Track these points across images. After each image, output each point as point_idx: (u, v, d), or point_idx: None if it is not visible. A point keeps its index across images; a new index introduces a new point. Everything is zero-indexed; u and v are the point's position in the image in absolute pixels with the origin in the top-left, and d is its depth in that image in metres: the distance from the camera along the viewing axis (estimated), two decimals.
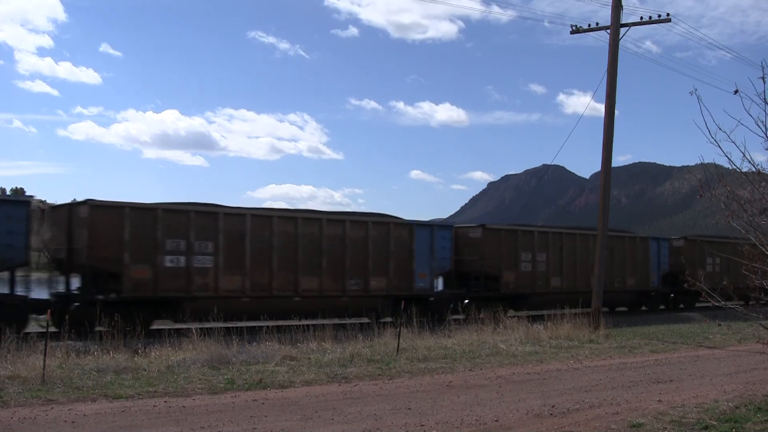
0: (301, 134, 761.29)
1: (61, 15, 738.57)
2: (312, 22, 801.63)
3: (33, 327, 17.80)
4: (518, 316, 18.92)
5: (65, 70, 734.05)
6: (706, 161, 8.54)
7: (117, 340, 13.65)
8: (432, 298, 24.21)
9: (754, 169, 8.19)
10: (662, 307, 33.11)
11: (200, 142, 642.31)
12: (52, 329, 18.13)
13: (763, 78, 7.58)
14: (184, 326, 18.23)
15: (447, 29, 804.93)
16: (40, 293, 19.59)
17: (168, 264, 19.13)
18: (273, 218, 21.12)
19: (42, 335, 12.41)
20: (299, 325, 16.67)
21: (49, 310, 11.92)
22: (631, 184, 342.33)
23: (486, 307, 23.12)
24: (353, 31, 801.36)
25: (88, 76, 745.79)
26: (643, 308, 32.54)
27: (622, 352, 16.06)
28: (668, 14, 22.23)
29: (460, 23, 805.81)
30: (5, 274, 18.12)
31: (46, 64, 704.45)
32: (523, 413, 8.92)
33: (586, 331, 19.23)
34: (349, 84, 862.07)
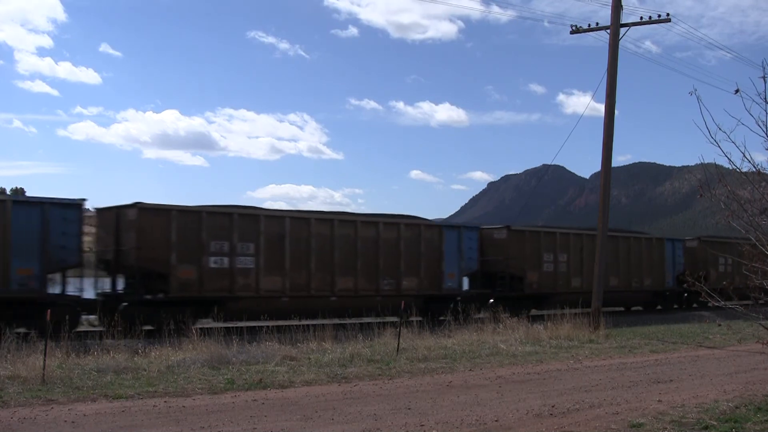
0: (301, 134, 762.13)
1: (61, 15, 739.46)
2: (312, 22, 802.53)
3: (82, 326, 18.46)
4: (541, 314, 19.15)
5: (65, 70, 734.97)
6: (706, 161, 8.55)
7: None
8: (459, 298, 24.64)
9: (754, 169, 8.18)
10: (675, 306, 33.45)
11: (200, 142, 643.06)
12: (99, 328, 18.87)
13: (763, 77, 7.58)
14: (229, 325, 18.81)
15: (447, 29, 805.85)
16: (86, 293, 19.95)
17: (212, 265, 19.69)
18: (311, 220, 21.82)
19: (42, 335, 12.41)
20: (299, 325, 16.68)
21: (48, 310, 11.89)
22: (631, 184, 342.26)
23: (510, 306, 24.31)
24: (353, 31, 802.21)
25: (88, 76, 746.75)
26: (658, 307, 33.07)
27: (622, 352, 16.05)
28: (668, 14, 22.24)
29: (460, 23, 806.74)
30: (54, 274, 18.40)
31: (46, 64, 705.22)
32: (523, 413, 8.92)
33: (586, 331, 19.23)
34: (349, 84, 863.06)
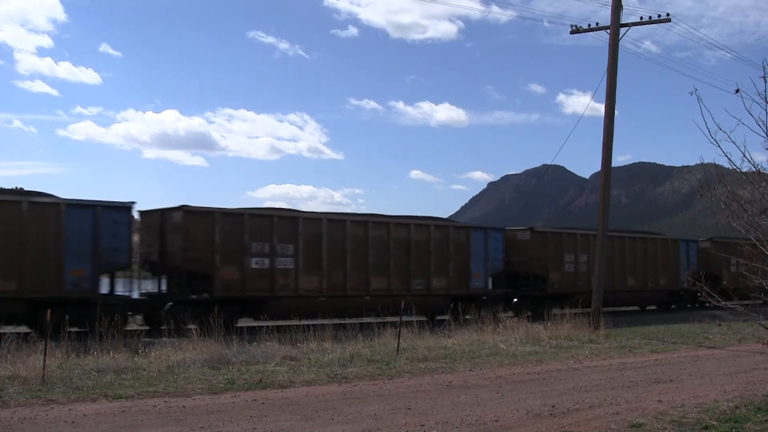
0: (301, 134, 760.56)
1: (60, 15, 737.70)
2: (311, 22, 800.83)
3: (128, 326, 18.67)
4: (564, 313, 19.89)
5: (65, 70, 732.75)
6: (706, 161, 8.55)
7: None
8: (485, 297, 25.29)
9: (754, 169, 8.19)
10: (689, 305, 33.75)
11: (200, 142, 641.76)
12: (144, 327, 19.47)
13: (763, 77, 7.58)
14: (268, 324, 19.21)
15: (446, 29, 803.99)
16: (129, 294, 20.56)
17: (254, 266, 20.27)
18: (346, 222, 22.54)
19: (42, 335, 12.41)
20: (299, 325, 16.69)
21: (48, 310, 11.90)
22: (631, 184, 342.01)
23: (533, 305, 25.37)
24: (353, 31, 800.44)
25: (88, 76, 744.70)
26: (672, 306, 33.55)
27: (622, 352, 16.05)
28: (668, 14, 22.24)
29: (460, 23, 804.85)
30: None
31: (45, 64, 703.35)
32: (523, 413, 8.92)
33: (586, 331, 19.23)
34: (349, 84, 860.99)
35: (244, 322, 21.09)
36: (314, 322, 18.32)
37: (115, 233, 18.32)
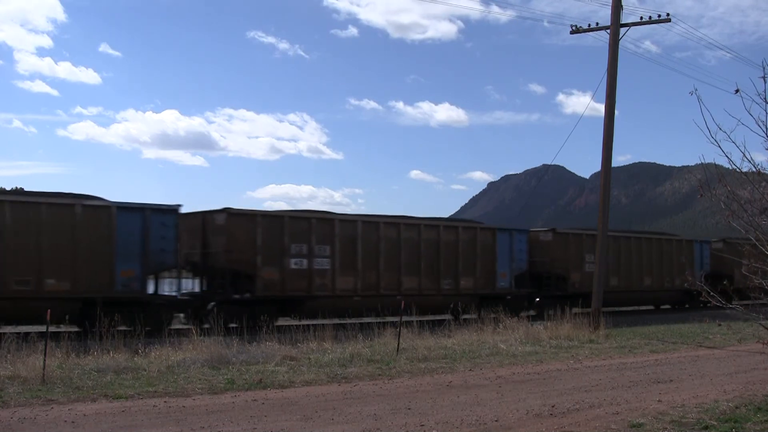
0: (301, 134, 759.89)
1: (60, 15, 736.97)
2: (311, 22, 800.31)
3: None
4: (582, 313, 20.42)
5: (65, 70, 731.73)
6: (706, 161, 8.55)
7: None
8: (509, 297, 26.16)
9: (754, 169, 8.18)
10: (701, 305, 33.83)
11: (200, 142, 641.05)
12: (188, 326, 19.40)
13: (763, 77, 7.58)
14: (310, 323, 19.47)
15: (446, 29, 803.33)
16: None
17: (293, 266, 20.93)
18: (380, 224, 23.22)
19: (42, 335, 12.42)
20: (299, 325, 16.70)
21: (48, 310, 11.90)
22: (631, 184, 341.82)
23: (554, 304, 25.45)
24: (353, 31, 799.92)
25: (88, 76, 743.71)
26: (686, 306, 34.03)
27: (622, 352, 16.06)
28: (668, 14, 22.23)
29: (460, 23, 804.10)
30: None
31: (45, 64, 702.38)
32: (523, 413, 8.92)
33: (586, 331, 19.23)
34: (349, 84, 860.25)
35: (282, 321, 21.63)
36: (351, 320, 19.27)
37: (163, 235, 18.91)
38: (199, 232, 20.74)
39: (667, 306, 34.36)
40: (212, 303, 20.21)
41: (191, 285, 21.34)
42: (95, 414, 8.69)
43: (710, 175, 8.67)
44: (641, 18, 22.42)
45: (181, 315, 20.63)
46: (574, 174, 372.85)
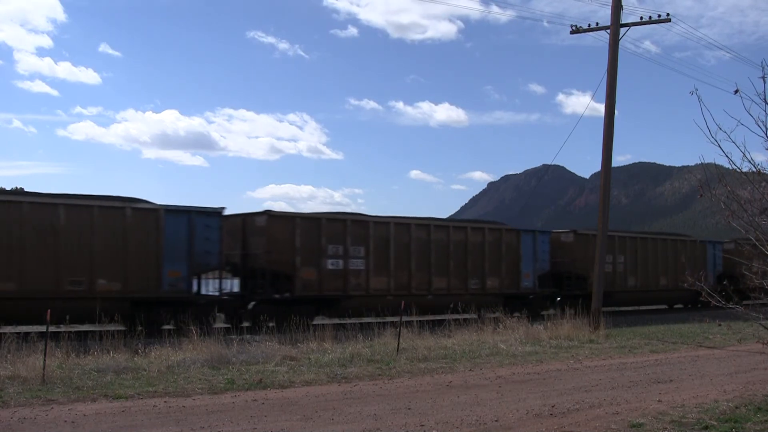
0: (301, 134, 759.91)
1: (60, 15, 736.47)
2: (311, 22, 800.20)
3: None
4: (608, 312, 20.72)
5: (65, 70, 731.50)
6: (706, 161, 8.55)
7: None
8: (532, 296, 27.07)
9: (754, 169, 8.19)
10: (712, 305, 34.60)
11: (200, 142, 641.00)
12: (226, 325, 20.38)
13: (763, 78, 7.58)
14: (344, 321, 20.38)
15: (446, 29, 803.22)
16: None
17: (330, 267, 21.64)
18: (411, 225, 23.96)
19: (42, 335, 12.42)
20: (299, 325, 16.70)
21: (48, 310, 11.90)
22: (631, 184, 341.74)
23: (575, 304, 26.41)
24: (352, 31, 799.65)
25: (88, 76, 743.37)
26: (699, 305, 33.98)
27: (622, 352, 16.05)
28: (668, 14, 22.22)
29: (460, 23, 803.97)
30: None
31: (45, 64, 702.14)
32: (523, 413, 8.91)
33: (586, 331, 19.23)
34: (349, 84, 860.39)
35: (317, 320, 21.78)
36: (387, 319, 19.79)
37: (207, 237, 19.55)
38: (239, 233, 21.31)
39: (680, 305, 34.84)
40: (252, 302, 20.88)
41: (230, 285, 21.84)
42: (95, 414, 8.69)
43: (710, 175, 8.68)
44: (641, 18, 22.41)
45: (222, 314, 21.18)
46: (574, 174, 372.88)
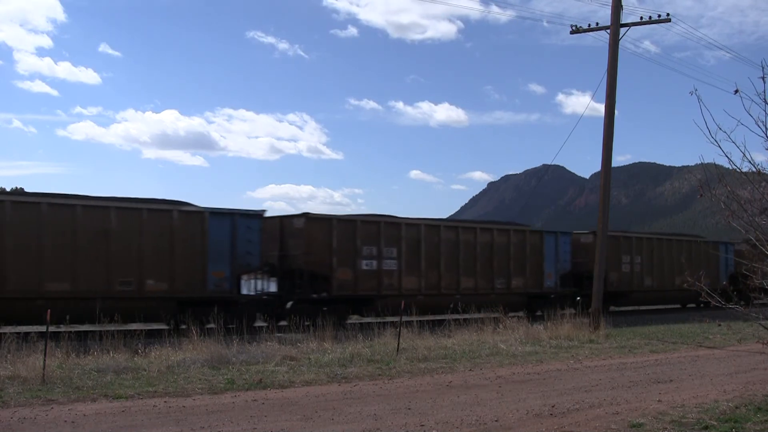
0: (301, 134, 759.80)
1: (60, 15, 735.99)
2: (311, 22, 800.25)
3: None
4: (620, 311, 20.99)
5: (64, 70, 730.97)
6: (706, 161, 8.54)
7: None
8: (553, 295, 27.73)
9: (754, 169, 8.18)
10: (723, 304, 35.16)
11: (200, 142, 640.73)
12: (263, 323, 20.54)
13: (763, 78, 7.57)
14: (379, 320, 20.83)
15: (446, 29, 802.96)
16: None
17: (364, 267, 22.33)
18: (440, 227, 24.68)
19: (42, 335, 12.42)
20: (299, 325, 16.72)
21: (48, 310, 11.92)
22: (631, 184, 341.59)
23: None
24: (352, 31, 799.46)
25: (88, 76, 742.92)
26: (711, 305, 34.32)
27: (622, 352, 16.05)
28: (668, 14, 22.22)
29: (459, 23, 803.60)
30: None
31: (45, 64, 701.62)
32: (523, 413, 8.92)
33: (586, 331, 19.24)
34: (349, 84, 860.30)
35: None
36: (417, 318, 20.21)
37: (249, 238, 20.17)
38: (276, 235, 21.84)
39: (693, 305, 35.11)
40: (290, 302, 21.48)
41: (266, 285, 22.22)
42: (95, 414, 8.69)
43: (710, 175, 8.67)
44: (641, 18, 22.42)
45: (259, 314, 21.65)
46: (574, 174, 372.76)
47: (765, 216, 8.11)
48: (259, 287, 21.57)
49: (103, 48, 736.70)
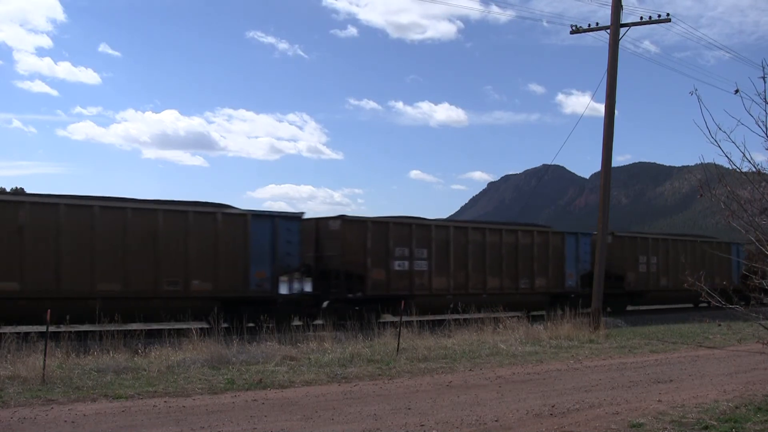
0: (301, 134, 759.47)
1: (60, 15, 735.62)
2: (311, 22, 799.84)
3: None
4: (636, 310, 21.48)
5: (64, 70, 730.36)
6: (706, 161, 8.55)
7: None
8: (573, 295, 28.17)
9: (754, 169, 8.19)
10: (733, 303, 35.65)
11: (200, 142, 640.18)
12: (298, 323, 20.88)
13: (763, 78, 7.58)
14: (411, 319, 20.86)
15: (446, 29, 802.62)
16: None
17: (396, 268, 22.95)
18: (468, 229, 25.53)
19: (42, 335, 12.42)
20: (299, 325, 16.75)
21: (48, 310, 11.92)
22: (631, 184, 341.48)
23: (611, 302, 29.13)
24: (352, 31, 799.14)
25: (87, 76, 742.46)
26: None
27: (622, 352, 16.05)
28: (668, 14, 22.23)
29: (459, 23, 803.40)
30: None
31: (45, 65, 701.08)
32: (523, 413, 8.92)
33: (586, 331, 19.23)
34: (348, 84, 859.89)
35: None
36: (445, 317, 20.75)
37: (289, 240, 20.80)
38: (312, 237, 22.42)
39: (705, 304, 35.29)
40: (326, 302, 22.23)
41: (302, 285, 22.60)
42: (95, 414, 8.69)
43: (710, 175, 8.68)
44: (641, 18, 22.42)
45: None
46: (574, 174, 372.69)
47: (765, 216, 8.11)
48: (294, 287, 22.09)
49: (103, 48, 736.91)
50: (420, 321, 19.52)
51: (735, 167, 8.04)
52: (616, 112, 22.28)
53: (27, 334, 13.55)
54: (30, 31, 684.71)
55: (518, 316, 19.21)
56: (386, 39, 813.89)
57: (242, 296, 20.06)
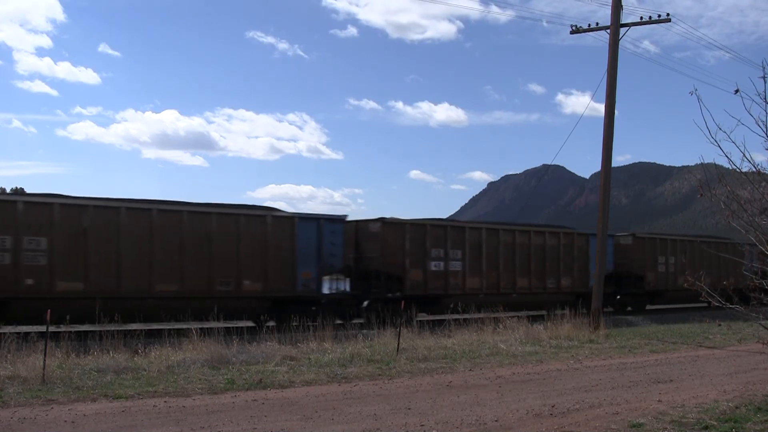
0: (301, 134, 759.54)
1: (60, 15, 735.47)
2: (310, 22, 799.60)
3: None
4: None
5: (64, 70, 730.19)
6: (706, 161, 8.56)
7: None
8: None
9: (754, 169, 8.19)
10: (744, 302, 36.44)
11: (199, 142, 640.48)
12: (339, 321, 21.17)
13: (763, 78, 7.58)
14: (448, 317, 21.96)
15: (446, 29, 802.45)
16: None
17: (433, 268, 23.77)
18: (499, 230, 26.18)
19: (42, 335, 12.41)
20: (299, 325, 16.74)
21: (48, 310, 11.92)
22: (631, 184, 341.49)
23: (632, 301, 30.73)
24: (352, 31, 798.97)
25: (87, 76, 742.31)
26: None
27: (622, 352, 16.05)
28: (668, 14, 22.22)
29: (459, 23, 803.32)
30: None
31: (45, 65, 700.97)
32: (523, 413, 8.92)
33: (586, 331, 19.23)
34: (348, 84, 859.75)
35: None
36: (478, 315, 20.60)
37: (333, 241, 21.61)
38: (352, 238, 23.05)
39: (718, 303, 36.19)
40: (366, 301, 22.79)
41: (342, 285, 23.16)
42: (95, 414, 8.69)
43: (710, 175, 8.68)
44: (641, 18, 22.42)
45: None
46: (574, 174, 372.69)
47: (765, 216, 8.11)
48: (335, 287, 22.73)
49: (103, 48, 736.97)
50: (420, 321, 19.54)
51: (735, 167, 8.05)
52: (616, 112, 22.30)
53: (27, 334, 13.55)
54: (30, 31, 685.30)
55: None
56: (386, 39, 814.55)
57: (290, 296, 20.77)
